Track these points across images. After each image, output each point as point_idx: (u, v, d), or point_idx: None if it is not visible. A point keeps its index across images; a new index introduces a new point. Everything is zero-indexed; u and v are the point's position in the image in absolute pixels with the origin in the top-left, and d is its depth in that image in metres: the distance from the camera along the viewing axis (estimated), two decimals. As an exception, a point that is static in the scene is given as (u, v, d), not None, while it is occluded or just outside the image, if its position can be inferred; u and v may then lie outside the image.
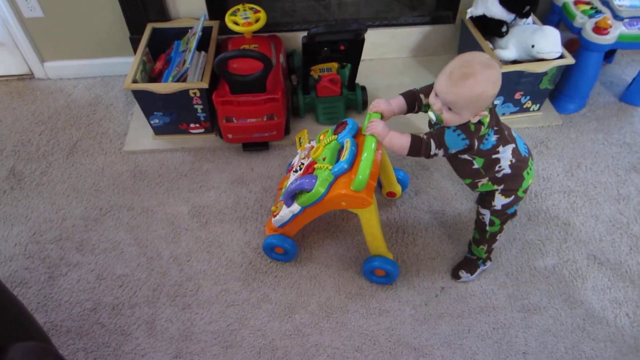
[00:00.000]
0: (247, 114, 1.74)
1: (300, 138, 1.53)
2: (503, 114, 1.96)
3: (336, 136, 1.37)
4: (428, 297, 1.49)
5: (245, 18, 1.81)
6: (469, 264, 1.52)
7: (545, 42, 1.73)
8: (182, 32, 1.94)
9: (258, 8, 1.84)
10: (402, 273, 1.53)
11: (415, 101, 1.32)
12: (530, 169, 1.31)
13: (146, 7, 1.92)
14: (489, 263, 1.53)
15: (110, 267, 1.55)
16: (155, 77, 1.87)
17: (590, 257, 1.58)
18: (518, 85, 1.84)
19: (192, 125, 1.87)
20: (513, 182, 1.30)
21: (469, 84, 1.10)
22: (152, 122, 1.85)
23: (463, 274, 1.51)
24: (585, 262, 1.57)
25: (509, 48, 1.83)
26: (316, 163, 1.36)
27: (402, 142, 1.22)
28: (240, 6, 1.85)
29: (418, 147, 1.21)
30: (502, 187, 1.31)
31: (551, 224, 1.66)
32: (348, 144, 1.32)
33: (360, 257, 1.57)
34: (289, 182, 1.44)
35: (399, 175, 1.68)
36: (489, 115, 1.19)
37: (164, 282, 1.52)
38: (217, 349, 1.38)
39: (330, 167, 1.31)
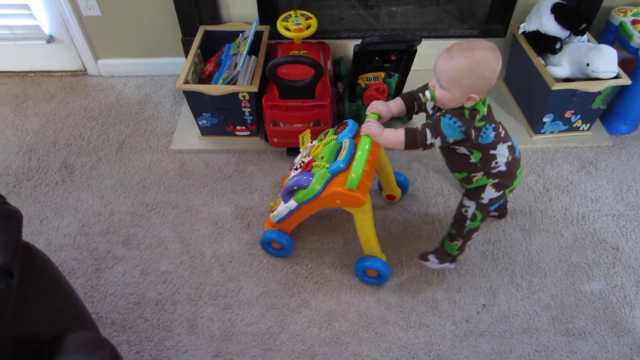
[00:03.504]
0: (295, 119, 1.75)
1: (303, 137, 1.56)
2: (551, 132, 1.93)
3: (336, 136, 1.40)
4: (469, 314, 1.47)
5: (297, 24, 1.82)
6: (440, 252, 1.50)
7: (601, 61, 1.70)
8: (232, 36, 1.97)
9: (310, 15, 1.86)
10: (442, 286, 1.52)
11: (414, 101, 1.34)
12: (521, 168, 1.34)
13: (200, 10, 1.96)
14: (455, 264, 1.53)
15: (154, 263, 1.58)
16: (205, 79, 1.91)
17: (640, 284, 1.53)
18: (569, 104, 1.80)
19: (238, 127, 1.90)
20: (506, 179, 1.32)
21: (463, 56, 1.12)
22: (199, 122, 1.88)
23: (432, 258, 1.50)
24: (634, 289, 1.52)
25: (562, 65, 1.80)
26: (315, 161, 1.39)
27: (397, 136, 1.24)
28: (292, 12, 1.87)
29: (413, 138, 1.21)
30: (496, 181, 1.31)
31: (599, 248, 1.62)
32: (346, 143, 1.35)
33: (403, 268, 1.56)
34: (289, 179, 1.47)
35: (399, 179, 1.70)
36: (484, 107, 1.20)
37: (206, 281, 1.54)
38: (256, 351, 1.39)
39: (327, 166, 1.34)
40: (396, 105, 1.35)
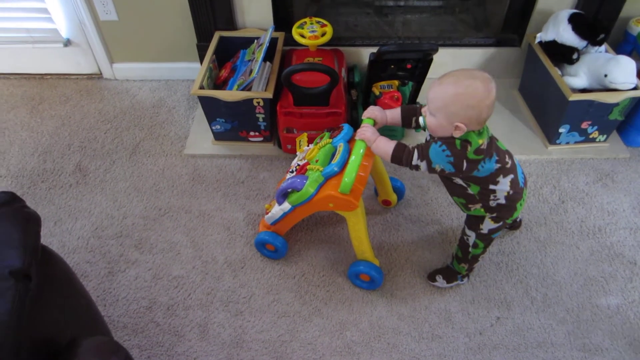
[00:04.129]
0: (309, 126, 1.75)
1: (300, 141, 1.56)
2: (567, 143, 1.91)
3: (331, 140, 1.41)
4: (483, 326, 1.45)
5: (312, 31, 1.83)
6: (448, 272, 1.51)
7: (619, 72, 1.68)
8: (248, 42, 1.97)
9: (325, 22, 1.86)
10: (456, 297, 1.50)
11: (413, 115, 1.33)
12: (523, 200, 1.30)
13: (215, 16, 1.97)
14: (466, 280, 1.53)
15: (166, 268, 1.58)
16: (219, 85, 1.91)
17: (658, 299, 1.51)
18: (586, 115, 1.79)
19: (251, 133, 1.90)
20: (505, 212, 1.28)
21: (450, 82, 1.11)
22: (213, 127, 1.89)
23: (440, 279, 1.51)
24: (651, 304, 1.50)
25: (579, 76, 1.79)
26: (309, 164, 1.39)
27: (387, 147, 1.23)
28: (307, 19, 1.87)
29: (400, 154, 1.21)
30: (494, 214, 1.29)
31: (615, 262, 1.60)
32: (341, 147, 1.36)
33: (414, 276, 1.55)
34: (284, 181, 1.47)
35: (395, 184, 1.69)
36: (482, 139, 1.15)
37: (218, 286, 1.53)
38: (267, 359, 1.38)
39: (321, 169, 1.34)
40: (392, 114, 1.36)
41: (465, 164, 1.15)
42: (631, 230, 1.68)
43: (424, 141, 1.31)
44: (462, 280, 1.52)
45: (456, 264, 1.48)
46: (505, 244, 1.64)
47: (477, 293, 1.52)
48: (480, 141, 1.14)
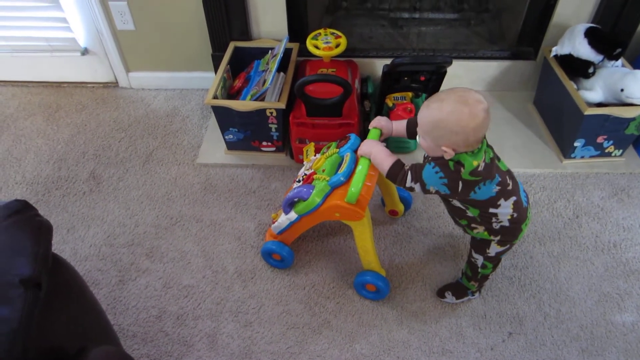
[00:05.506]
0: (321, 136, 1.75)
1: (307, 150, 1.57)
2: (582, 157, 1.88)
3: (338, 149, 1.41)
4: (495, 341, 1.43)
5: (326, 43, 1.83)
6: (458, 288, 1.50)
7: (636, 87, 1.66)
8: (262, 52, 1.99)
9: (339, 33, 1.87)
10: (467, 312, 1.49)
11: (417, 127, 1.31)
12: (528, 219, 1.27)
13: (230, 27, 1.99)
14: (477, 294, 1.51)
15: (177, 277, 1.58)
16: (233, 94, 1.93)
17: (674, 318, 1.47)
18: (602, 129, 1.76)
19: (264, 143, 1.91)
20: (510, 235, 1.26)
21: (434, 107, 1.10)
22: (226, 137, 1.90)
23: (449, 295, 1.49)
24: (668, 322, 1.46)
25: (595, 90, 1.77)
26: (316, 174, 1.39)
27: (384, 162, 1.22)
28: (322, 30, 1.88)
29: (395, 173, 1.19)
30: (498, 238, 1.26)
31: (631, 278, 1.57)
32: (347, 157, 1.36)
33: (425, 289, 1.54)
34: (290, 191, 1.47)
35: (402, 194, 1.69)
36: (477, 161, 1.10)
37: (228, 297, 1.53)
38: (275, 371, 1.38)
39: (327, 179, 1.34)
40: (398, 126, 1.36)
41: (460, 185, 1.12)
42: (647, 246, 1.65)
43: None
44: (473, 296, 1.50)
45: (466, 281, 1.46)
46: (518, 259, 1.62)
47: (489, 308, 1.50)
48: (475, 162, 1.11)
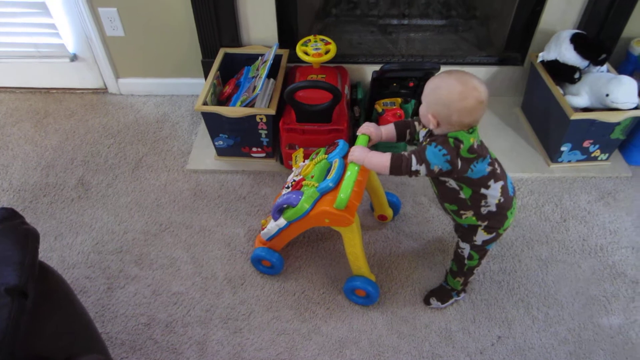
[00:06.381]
0: (311, 142, 1.76)
1: (296, 156, 1.57)
2: (569, 161, 1.90)
3: (326, 156, 1.42)
4: (484, 345, 1.44)
5: (316, 49, 1.84)
6: (442, 292, 1.51)
7: (621, 92, 1.68)
8: (252, 58, 1.99)
9: (329, 40, 1.88)
10: (457, 316, 1.49)
11: (407, 129, 1.35)
12: (514, 208, 1.30)
13: (220, 33, 1.99)
14: (463, 295, 1.53)
15: (166, 284, 1.57)
16: (223, 100, 1.93)
17: (660, 320, 1.49)
18: (588, 134, 1.79)
19: (254, 149, 1.91)
20: (497, 221, 1.28)
21: (439, 76, 1.17)
22: (216, 143, 1.90)
23: (434, 301, 1.51)
24: (654, 325, 1.48)
25: (581, 95, 1.79)
26: (305, 180, 1.39)
27: (382, 160, 1.22)
28: (311, 37, 1.88)
29: (399, 163, 1.20)
30: (485, 223, 1.28)
31: (617, 281, 1.59)
32: (336, 163, 1.37)
33: (415, 294, 1.54)
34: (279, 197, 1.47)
35: (391, 199, 1.70)
36: (473, 138, 1.16)
37: (218, 303, 1.53)
38: (265, 378, 1.37)
39: (316, 185, 1.35)
40: (387, 130, 1.37)
41: (459, 162, 1.16)
42: (633, 249, 1.66)
43: None
44: (457, 297, 1.51)
45: (451, 280, 1.47)
46: (506, 263, 1.63)
47: (478, 312, 1.51)
48: (472, 139, 1.16)
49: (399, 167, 1.20)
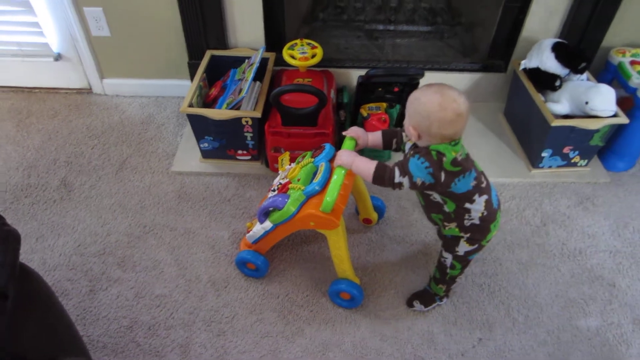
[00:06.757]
0: (296, 145, 1.76)
1: (282, 159, 1.58)
2: (550, 167, 1.94)
3: (313, 159, 1.43)
4: (465, 348, 1.46)
5: (302, 53, 1.85)
6: (425, 296, 1.53)
7: (599, 100, 1.72)
8: (238, 61, 1.99)
9: (315, 44, 1.89)
10: (439, 318, 1.51)
11: (393, 138, 1.36)
12: (497, 222, 1.31)
13: (207, 35, 1.99)
14: (445, 300, 1.55)
15: (149, 286, 1.57)
16: (209, 103, 1.93)
17: (636, 321, 1.52)
18: (568, 140, 1.82)
19: (239, 151, 1.91)
20: (479, 233, 1.30)
21: (421, 88, 1.18)
22: (201, 145, 1.89)
23: (417, 304, 1.53)
24: (630, 326, 1.51)
25: (562, 102, 1.83)
26: (291, 183, 1.41)
27: (367, 167, 1.24)
28: (298, 41, 1.90)
29: (382, 173, 1.22)
30: (468, 235, 1.30)
31: (595, 284, 1.62)
32: (322, 167, 1.38)
33: (398, 297, 1.56)
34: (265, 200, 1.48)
35: (376, 203, 1.72)
36: (456, 152, 1.16)
37: (201, 306, 1.52)
38: (248, 380, 1.37)
39: (302, 188, 1.36)
40: (374, 137, 1.38)
41: (443, 175, 1.16)
42: (610, 253, 1.70)
43: None
44: (440, 302, 1.53)
45: (434, 286, 1.49)
46: (488, 266, 1.65)
47: (460, 314, 1.53)
48: (454, 153, 1.16)
49: (382, 177, 1.22)
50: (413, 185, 1.19)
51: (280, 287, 1.58)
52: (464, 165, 1.18)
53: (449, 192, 1.21)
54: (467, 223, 1.27)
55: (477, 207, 1.24)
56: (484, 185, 1.24)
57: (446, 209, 1.26)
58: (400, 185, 1.20)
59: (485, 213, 1.25)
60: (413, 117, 1.17)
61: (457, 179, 1.18)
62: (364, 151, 1.96)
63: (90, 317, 1.49)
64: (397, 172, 1.19)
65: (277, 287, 1.58)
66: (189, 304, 1.53)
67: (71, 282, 1.57)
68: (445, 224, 1.31)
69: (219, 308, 1.52)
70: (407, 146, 1.31)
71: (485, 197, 1.24)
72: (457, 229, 1.30)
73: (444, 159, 1.15)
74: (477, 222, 1.26)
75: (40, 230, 1.70)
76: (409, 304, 1.54)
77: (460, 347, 1.46)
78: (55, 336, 0.99)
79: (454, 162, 1.16)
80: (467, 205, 1.23)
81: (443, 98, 1.12)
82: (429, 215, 1.36)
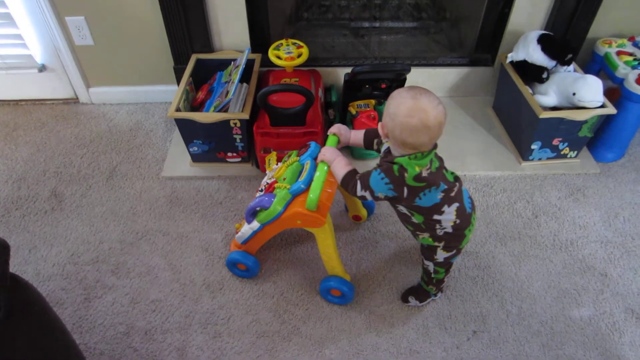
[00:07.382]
0: (286, 145, 1.77)
1: (269, 160, 1.60)
2: (540, 159, 1.95)
3: (298, 158, 1.44)
4: (460, 340, 1.47)
5: (288, 53, 1.86)
6: (420, 291, 1.52)
7: (587, 91, 1.73)
8: (224, 64, 2.00)
9: (301, 44, 1.89)
10: (433, 312, 1.52)
11: (375, 138, 1.36)
12: (472, 225, 1.29)
13: (192, 39, 1.99)
14: (440, 294, 1.55)
15: (144, 292, 1.57)
16: (196, 106, 1.92)
17: (628, 310, 1.53)
18: (557, 132, 1.84)
19: (229, 154, 1.91)
20: (455, 241, 1.29)
21: (397, 90, 1.14)
22: (191, 149, 1.89)
23: (412, 299, 1.53)
24: (622, 315, 1.52)
25: (549, 94, 1.84)
26: (277, 182, 1.41)
27: (339, 171, 1.25)
28: (283, 41, 1.90)
29: (347, 183, 1.23)
30: (443, 243, 1.29)
31: (587, 274, 1.63)
32: (308, 165, 1.38)
33: (392, 292, 1.56)
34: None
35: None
36: (420, 167, 1.12)
37: (196, 309, 1.52)
38: (246, 382, 1.38)
39: (288, 187, 1.37)
40: (356, 135, 1.39)
41: (406, 191, 1.14)
42: (602, 243, 1.72)
43: None
44: (435, 296, 1.54)
45: (424, 285, 1.50)
46: (480, 259, 1.66)
47: (454, 307, 1.54)
48: (418, 168, 1.12)
49: (347, 185, 1.23)
50: (376, 199, 1.19)
51: (275, 287, 1.58)
52: (430, 180, 1.13)
53: (415, 205, 1.19)
54: (439, 232, 1.26)
55: (448, 217, 1.22)
56: (453, 194, 1.19)
57: (415, 220, 1.25)
58: (363, 197, 1.20)
59: (458, 221, 1.23)
60: (384, 115, 1.15)
61: (421, 194, 1.15)
62: (354, 150, 1.97)
63: (86, 325, 1.48)
64: (359, 185, 1.19)
65: (272, 287, 1.58)
66: (185, 308, 1.53)
67: (66, 292, 1.56)
68: (418, 233, 1.30)
69: (214, 310, 1.52)
70: (384, 147, 1.29)
71: (455, 205, 1.21)
72: (430, 239, 1.29)
73: (406, 174, 1.12)
74: (450, 230, 1.25)
75: (33, 242, 1.70)
76: (404, 299, 1.54)
77: (455, 340, 1.47)
78: (50, 347, 0.99)
79: (417, 177, 1.12)
80: (436, 216, 1.21)
81: (414, 104, 1.07)
82: (402, 223, 1.36)
